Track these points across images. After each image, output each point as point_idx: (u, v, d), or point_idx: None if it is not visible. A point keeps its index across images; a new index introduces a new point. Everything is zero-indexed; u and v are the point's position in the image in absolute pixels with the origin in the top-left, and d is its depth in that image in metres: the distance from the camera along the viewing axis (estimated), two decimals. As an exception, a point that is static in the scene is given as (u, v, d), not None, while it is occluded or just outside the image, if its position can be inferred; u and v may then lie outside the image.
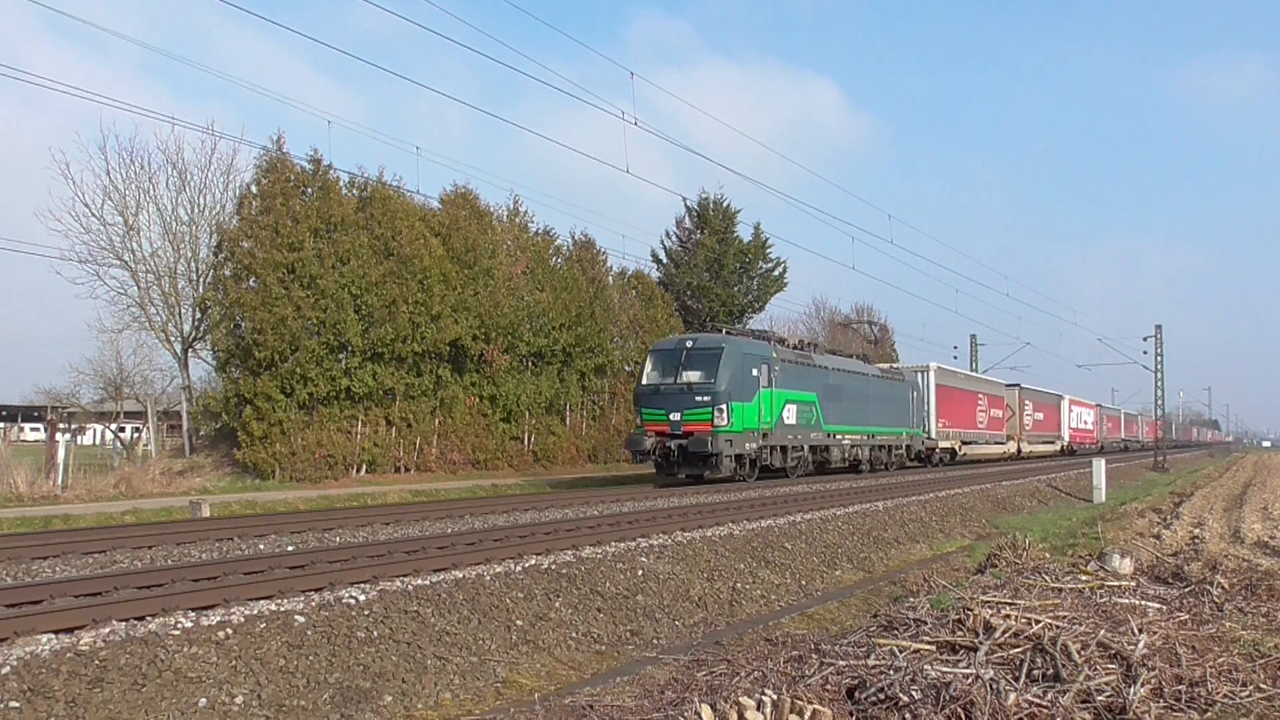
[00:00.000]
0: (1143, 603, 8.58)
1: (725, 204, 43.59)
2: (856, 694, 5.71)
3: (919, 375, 35.89)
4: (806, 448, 26.32)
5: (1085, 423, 61.65)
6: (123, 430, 34.74)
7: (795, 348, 27.56)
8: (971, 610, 7.43)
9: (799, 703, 5.19)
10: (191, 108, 69.50)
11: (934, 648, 6.71)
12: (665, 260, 43.99)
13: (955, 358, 55.18)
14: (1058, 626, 6.98)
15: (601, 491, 21.32)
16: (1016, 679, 5.98)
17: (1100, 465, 27.64)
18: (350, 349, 26.35)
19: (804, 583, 12.59)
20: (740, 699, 5.24)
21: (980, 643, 6.65)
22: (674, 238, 44.53)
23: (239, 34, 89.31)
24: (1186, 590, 9.45)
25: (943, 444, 36.50)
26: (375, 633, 7.59)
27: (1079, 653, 6.38)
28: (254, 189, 26.67)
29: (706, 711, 5.09)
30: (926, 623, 7.47)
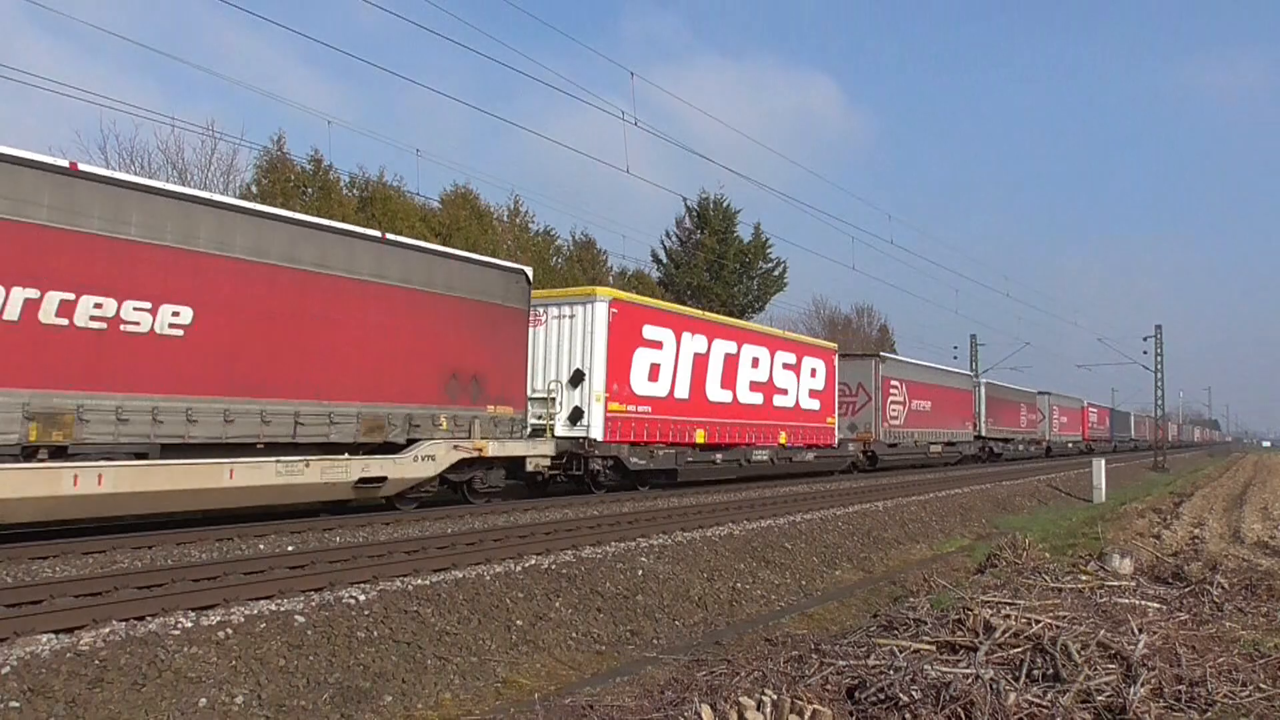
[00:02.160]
0: (1143, 603, 8.58)
1: (725, 204, 43.65)
2: (856, 694, 5.71)
3: None
4: None
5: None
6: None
7: None
8: (971, 610, 7.43)
9: (799, 703, 5.19)
10: (188, 107, 69.39)
11: (934, 648, 6.71)
12: (665, 260, 44.01)
13: (955, 358, 53.33)
14: (1058, 626, 6.98)
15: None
16: (1016, 679, 5.98)
17: (1100, 465, 27.70)
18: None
19: (804, 583, 12.59)
20: (740, 699, 5.24)
21: (980, 643, 6.65)
22: (674, 238, 44.57)
23: (234, 32, 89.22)
24: (1186, 590, 9.45)
25: None
26: (375, 633, 7.59)
27: (1079, 653, 6.37)
28: (254, 189, 26.70)
29: (706, 711, 5.09)
30: (926, 623, 7.47)
